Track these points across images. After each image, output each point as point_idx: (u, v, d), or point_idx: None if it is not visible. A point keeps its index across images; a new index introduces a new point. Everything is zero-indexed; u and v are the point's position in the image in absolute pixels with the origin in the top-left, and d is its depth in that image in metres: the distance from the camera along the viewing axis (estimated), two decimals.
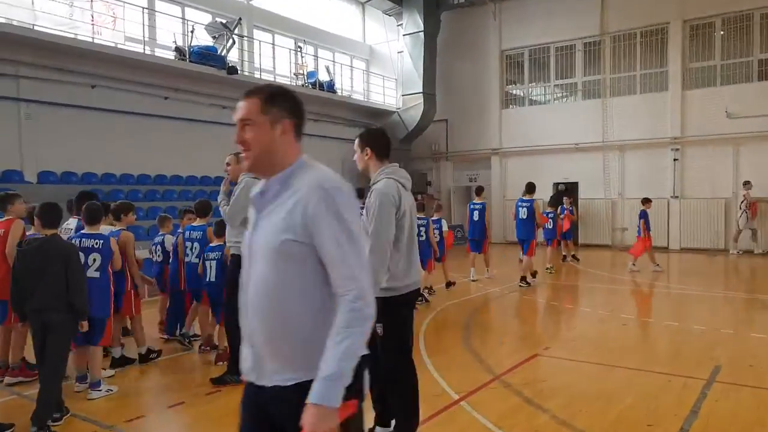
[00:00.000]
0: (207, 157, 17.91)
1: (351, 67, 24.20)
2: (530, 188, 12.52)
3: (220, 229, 6.99)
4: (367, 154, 4.09)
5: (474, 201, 12.63)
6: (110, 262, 5.68)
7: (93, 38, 14.68)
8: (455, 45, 23.33)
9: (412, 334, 4.13)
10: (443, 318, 9.04)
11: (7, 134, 13.82)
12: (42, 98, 14.37)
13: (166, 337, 7.86)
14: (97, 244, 5.61)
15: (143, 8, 16.39)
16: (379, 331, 3.92)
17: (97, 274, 5.49)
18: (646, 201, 14.34)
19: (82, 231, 5.84)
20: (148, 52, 16.78)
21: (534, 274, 12.32)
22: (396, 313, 3.94)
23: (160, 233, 8.60)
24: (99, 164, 15.51)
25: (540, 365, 6.41)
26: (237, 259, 5.87)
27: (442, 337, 7.79)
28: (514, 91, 23.08)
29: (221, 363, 6.45)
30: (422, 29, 21.86)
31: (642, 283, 12.40)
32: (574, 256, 16.22)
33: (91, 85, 15.28)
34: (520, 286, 11.64)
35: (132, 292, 6.73)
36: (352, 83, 23.95)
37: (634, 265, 13.92)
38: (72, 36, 14.50)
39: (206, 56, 16.99)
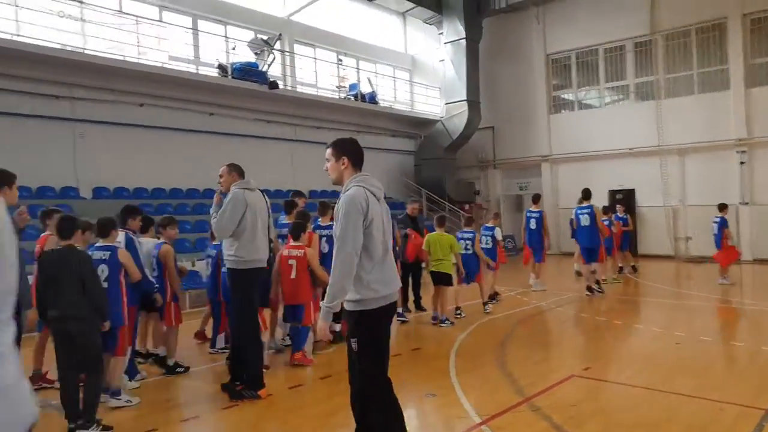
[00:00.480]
0: (252, 171, 18.07)
1: (394, 78, 24.11)
2: (587, 194, 12.23)
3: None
4: (343, 164, 4.03)
5: (531, 209, 12.55)
6: (120, 272, 5.71)
7: (138, 59, 15.12)
8: (498, 51, 22.90)
9: (388, 351, 3.88)
10: (483, 333, 8.70)
11: (62, 153, 14.40)
12: (94, 118, 14.92)
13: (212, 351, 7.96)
14: (105, 255, 5.70)
15: (188, 29, 16.85)
16: (354, 346, 3.75)
17: (105, 285, 5.52)
18: (723, 207, 13.25)
19: (96, 244, 5.92)
20: (192, 70, 17.22)
21: (598, 283, 11.90)
22: (371, 326, 3.74)
23: (212, 244, 8.59)
24: (149, 179, 15.94)
25: (576, 387, 6.00)
26: (241, 274, 5.77)
27: (476, 355, 7.46)
28: (562, 96, 22.40)
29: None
30: (464, 36, 21.55)
31: (707, 298, 11.53)
32: (633, 267, 15.45)
33: (138, 104, 15.77)
34: (587, 294, 11.47)
35: (172, 303, 6.89)
36: (395, 94, 23.85)
37: (725, 278, 12.75)
38: (121, 58, 15.00)
39: (248, 72, 17.25)
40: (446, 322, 9.23)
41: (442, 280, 9.45)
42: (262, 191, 6.04)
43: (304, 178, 19.88)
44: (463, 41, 21.67)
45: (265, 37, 18.18)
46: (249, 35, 18.57)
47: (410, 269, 10.37)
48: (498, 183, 23.54)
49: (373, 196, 3.88)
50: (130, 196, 15.48)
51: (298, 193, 9.75)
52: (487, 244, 10.92)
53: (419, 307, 10.64)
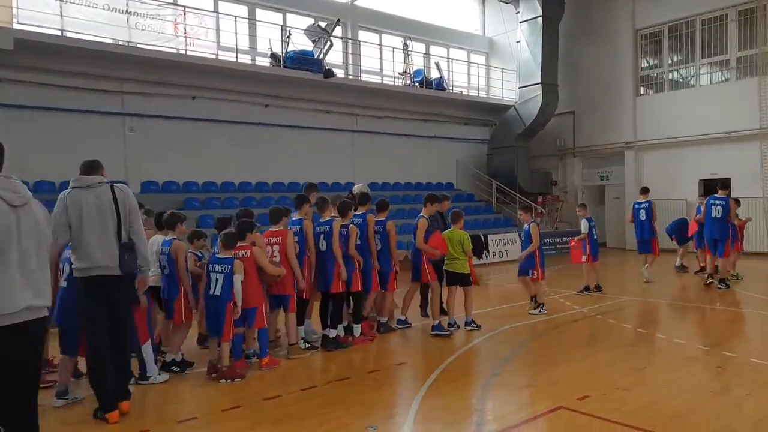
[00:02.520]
0: (308, 162, 17.82)
1: (468, 62, 22.80)
2: (725, 184, 11.69)
3: (228, 241, 6.49)
4: None
5: (638, 200, 12.33)
6: None
7: (185, 50, 15.13)
8: (581, 29, 20.93)
9: None
10: (492, 344, 7.60)
11: (112, 147, 14.68)
12: (144, 112, 15.13)
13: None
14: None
15: (242, 18, 16.71)
16: None
17: None
18: None
19: None
20: (247, 60, 17.09)
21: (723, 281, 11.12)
22: None
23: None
24: (199, 173, 16.00)
25: (556, 423, 4.85)
26: (79, 282, 5.10)
27: (464, 373, 6.43)
28: (651, 75, 20.06)
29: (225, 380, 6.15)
30: (540, 14, 19.83)
31: None
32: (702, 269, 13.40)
33: (191, 97, 15.84)
34: (719, 288, 10.97)
35: (183, 300, 6.60)
36: (469, 79, 22.55)
37: None
38: (173, 50, 15.09)
39: (302, 61, 16.82)
40: (472, 324, 8.41)
41: (455, 280, 8.53)
42: (113, 185, 5.23)
43: (365, 171, 19.27)
44: (540, 19, 19.96)
45: (323, 24, 17.66)
46: (310, 23, 18.11)
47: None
48: (577, 173, 21.59)
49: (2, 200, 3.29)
50: (179, 190, 15.61)
51: (312, 187, 9.04)
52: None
53: (424, 312, 9.58)
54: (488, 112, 22.09)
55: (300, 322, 7.52)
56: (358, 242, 7.87)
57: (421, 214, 8.51)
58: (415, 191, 20.20)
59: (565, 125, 21.39)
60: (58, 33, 13.33)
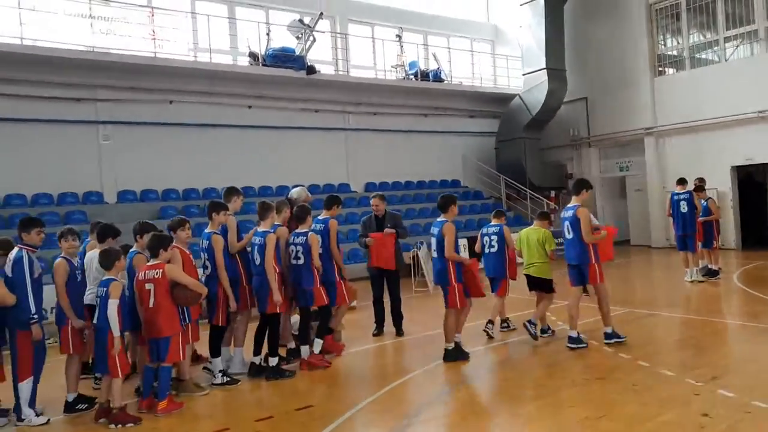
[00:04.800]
0: (297, 164, 16.87)
1: (471, 51, 21.44)
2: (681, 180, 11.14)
3: (106, 260, 5.64)
4: None
5: (676, 190, 11.25)
6: None
7: (155, 53, 14.35)
8: (588, 8, 19.37)
9: None
10: (428, 378, 6.46)
11: (86, 157, 14.08)
12: (119, 119, 14.44)
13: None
14: None
15: (217, 16, 15.85)
16: None
17: None
18: None
19: None
20: (229, 61, 16.23)
21: None
22: None
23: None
24: (179, 180, 15.22)
25: None
26: None
27: (368, 424, 5.31)
28: (669, 53, 18.35)
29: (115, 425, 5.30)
30: None
31: None
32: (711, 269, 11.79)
33: (168, 101, 15.07)
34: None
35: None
36: (473, 69, 21.18)
37: None
38: (147, 54, 14.35)
39: (283, 58, 15.86)
40: (548, 331, 7.69)
41: (536, 285, 7.62)
42: None
43: (360, 170, 18.22)
44: (542, 1, 18.47)
45: (306, 19, 16.64)
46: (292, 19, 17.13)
47: (378, 279, 8.28)
48: (594, 164, 19.93)
49: None
50: (157, 198, 14.88)
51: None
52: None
53: (380, 329, 8.45)
54: (495, 103, 20.69)
55: (216, 352, 6.52)
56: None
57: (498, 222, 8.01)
58: (417, 190, 19.02)
59: (577, 113, 19.81)
60: (18, 41, 12.67)
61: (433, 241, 6.84)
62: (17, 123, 13.11)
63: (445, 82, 19.37)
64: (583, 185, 7.06)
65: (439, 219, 6.95)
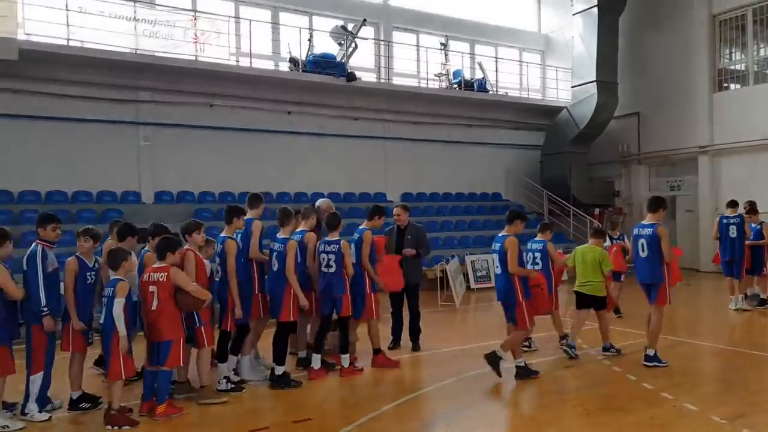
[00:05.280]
0: (334, 172, 16.77)
1: (520, 61, 20.91)
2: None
3: (113, 260, 5.57)
4: None
5: (727, 214, 10.75)
6: None
7: (196, 56, 14.52)
8: (644, 18, 18.52)
9: None
10: (439, 396, 6.09)
11: (126, 157, 14.35)
12: (159, 120, 14.67)
13: None
14: None
15: (258, 21, 15.98)
16: None
17: None
18: None
19: None
20: (271, 66, 16.34)
21: None
22: None
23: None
24: (215, 183, 15.32)
25: None
26: None
27: None
28: (731, 67, 17.33)
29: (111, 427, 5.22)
30: (595, 4, 17.68)
31: None
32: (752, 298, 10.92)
33: (209, 105, 15.25)
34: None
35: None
36: (521, 80, 20.66)
37: None
38: (189, 57, 14.57)
39: (323, 64, 15.81)
40: (611, 350, 7.44)
41: (589, 303, 7.43)
42: None
43: (397, 180, 17.94)
44: (595, 10, 17.81)
45: (349, 26, 16.57)
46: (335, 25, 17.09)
47: (398, 292, 7.94)
48: (643, 182, 19.00)
49: None
50: (193, 200, 15.02)
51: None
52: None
53: (396, 342, 8.12)
54: (542, 116, 20.05)
55: (223, 358, 6.36)
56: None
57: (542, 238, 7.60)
58: (455, 202, 18.60)
59: (628, 128, 18.95)
60: (64, 42, 13.06)
61: (495, 257, 6.58)
62: (60, 122, 13.44)
63: (491, 92, 18.91)
64: (660, 203, 6.99)
65: (501, 234, 6.70)
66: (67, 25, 13.03)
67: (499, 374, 6.30)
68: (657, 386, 5.99)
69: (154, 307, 5.50)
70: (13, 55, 11.94)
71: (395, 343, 8.12)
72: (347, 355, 6.81)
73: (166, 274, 5.51)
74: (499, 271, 6.51)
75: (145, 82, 14.29)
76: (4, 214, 12.31)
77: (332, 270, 6.68)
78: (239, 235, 6.54)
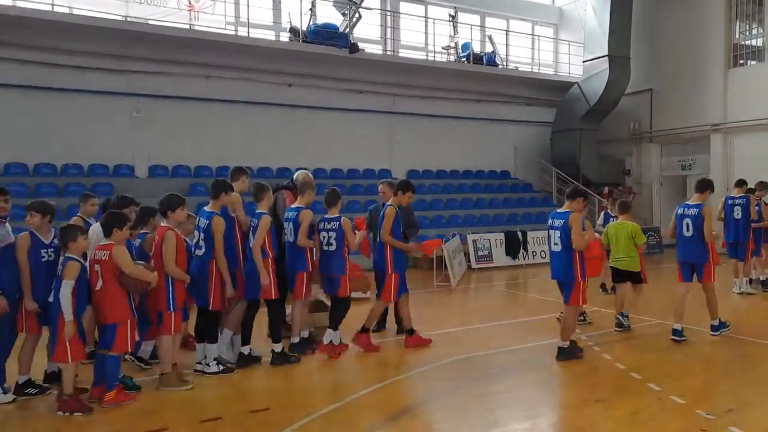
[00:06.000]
0: (337, 147, 16.41)
1: (532, 35, 20.24)
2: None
3: (65, 235, 5.30)
4: None
5: (732, 194, 10.32)
6: None
7: (190, 25, 14.11)
8: None
9: None
10: (411, 383, 5.80)
11: (118, 130, 13.98)
12: (153, 92, 14.27)
13: None
14: None
15: None
16: None
17: None
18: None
19: None
20: (272, 37, 15.90)
21: None
22: None
23: None
24: (212, 158, 14.97)
25: None
26: None
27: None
28: (748, 42, 16.57)
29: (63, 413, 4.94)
30: None
31: None
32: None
33: (205, 76, 14.88)
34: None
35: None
36: (533, 54, 20.01)
37: None
38: (184, 26, 14.16)
39: (325, 35, 15.32)
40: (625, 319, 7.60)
41: (625, 277, 7.58)
42: None
43: (403, 156, 17.52)
44: None
45: None
46: None
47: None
48: (654, 161, 18.37)
49: None
50: (188, 174, 14.74)
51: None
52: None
53: (381, 325, 7.73)
54: (554, 92, 19.39)
55: (213, 338, 6.04)
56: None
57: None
58: (462, 179, 18.18)
59: (640, 105, 18.28)
60: (49, 8, 12.71)
61: (554, 233, 6.24)
62: (49, 91, 13.09)
63: (500, 66, 18.32)
64: (707, 185, 7.18)
65: (561, 210, 6.38)
66: None
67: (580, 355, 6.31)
68: (645, 376, 5.63)
69: (98, 288, 5.17)
70: None
71: (380, 325, 7.81)
72: (337, 332, 6.59)
73: (108, 252, 5.15)
74: (558, 248, 6.21)
75: (137, 52, 13.81)
76: None
77: (332, 248, 6.47)
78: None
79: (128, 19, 13.37)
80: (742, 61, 16.58)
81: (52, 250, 5.40)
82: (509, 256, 14.12)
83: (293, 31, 15.31)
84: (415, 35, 18.15)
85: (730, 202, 10.11)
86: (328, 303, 7.54)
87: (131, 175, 14.06)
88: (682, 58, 17.06)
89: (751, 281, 10.28)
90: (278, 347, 6.25)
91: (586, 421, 4.72)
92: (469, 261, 13.71)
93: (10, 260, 5.27)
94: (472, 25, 18.66)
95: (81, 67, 13.36)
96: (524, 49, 19.86)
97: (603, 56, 17.18)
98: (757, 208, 10.08)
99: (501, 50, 18.67)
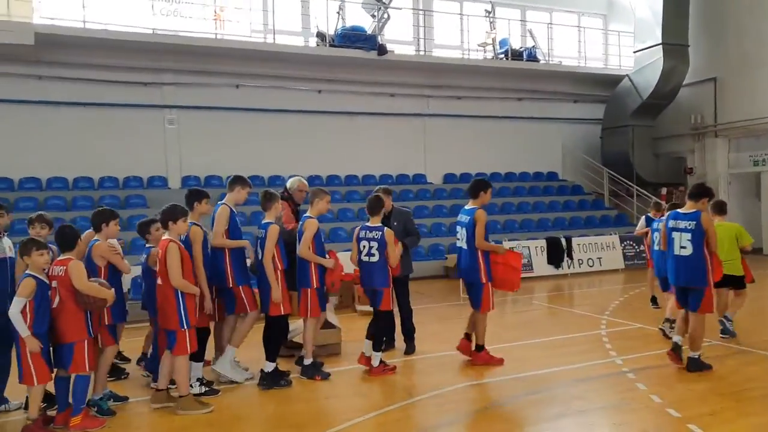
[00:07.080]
0: (369, 153, 15.88)
1: (579, 27, 19.03)
2: None
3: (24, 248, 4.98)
4: None
5: None
6: None
7: (215, 35, 13.95)
8: None
9: None
10: (414, 414, 5.07)
11: (151, 142, 14.05)
12: (184, 103, 14.27)
13: None
14: None
15: None
16: None
17: None
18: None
19: None
20: (300, 43, 15.55)
21: None
22: None
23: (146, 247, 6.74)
24: (245, 167, 14.56)
25: None
26: None
27: None
28: None
29: None
30: None
31: None
32: None
33: (235, 85, 14.69)
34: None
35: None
36: (579, 47, 18.80)
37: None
38: (211, 36, 14.04)
39: (353, 38, 14.82)
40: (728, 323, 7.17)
41: (729, 282, 6.93)
42: None
43: (439, 160, 16.77)
44: None
45: None
46: None
47: None
48: (722, 157, 16.70)
49: None
50: (221, 185, 14.49)
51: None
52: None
53: (409, 347, 7.06)
54: (603, 86, 18.12)
55: (198, 356, 5.60)
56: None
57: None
58: (504, 183, 17.18)
59: (703, 97, 16.70)
60: (81, 25, 12.80)
61: (685, 235, 5.81)
62: (84, 107, 13.30)
63: (542, 61, 17.25)
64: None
65: (685, 211, 5.98)
66: (83, 7, 12.77)
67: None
68: (671, 401, 4.68)
69: (55, 305, 4.79)
70: (29, 40, 11.75)
71: (388, 344, 7.12)
72: (379, 354, 6.14)
73: (65, 268, 4.77)
74: (687, 252, 5.77)
75: (167, 64, 13.89)
76: (31, 202, 12.28)
77: (374, 259, 6.05)
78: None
79: (155, 32, 13.35)
80: None
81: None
82: (551, 265, 13.04)
83: (320, 35, 14.90)
84: (449, 34, 17.36)
85: None
86: (336, 324, 7.05)
87: (164, 186, 14.02)
88: (751, 43, 15.43)
89: None
90: (269, 367, 5.74)
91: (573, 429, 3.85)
92: None
93: (1, 277, 5.12)
94: (510, 20, 17.68)
95: (113, 81, 13.52)
96: (569, 42, 18.68)
97: (656, 45, 15.82)
98: None
99: (543, 45, 17.61)
